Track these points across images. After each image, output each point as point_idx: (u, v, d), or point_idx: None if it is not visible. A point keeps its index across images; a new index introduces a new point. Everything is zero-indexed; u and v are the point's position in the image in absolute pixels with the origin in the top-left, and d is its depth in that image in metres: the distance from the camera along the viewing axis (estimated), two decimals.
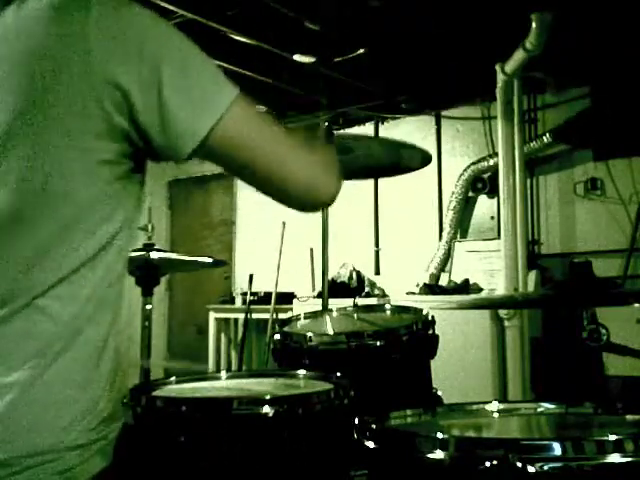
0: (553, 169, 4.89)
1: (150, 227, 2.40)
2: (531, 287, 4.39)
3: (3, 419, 0.87)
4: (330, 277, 4.47)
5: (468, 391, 3.62)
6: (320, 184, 1.05)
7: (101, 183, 0.91)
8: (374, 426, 1.11)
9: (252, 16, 3.75)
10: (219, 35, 3.84)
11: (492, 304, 3.03)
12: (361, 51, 4.19)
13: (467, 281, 4.65)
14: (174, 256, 2.54)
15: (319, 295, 4.61)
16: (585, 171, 4.72)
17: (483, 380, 4.17)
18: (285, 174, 1.01)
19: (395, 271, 5.33)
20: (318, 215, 2.60)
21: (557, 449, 0.93)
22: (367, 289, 4.97)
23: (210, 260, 2.73)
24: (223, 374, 1.66)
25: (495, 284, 4.54)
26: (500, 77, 4.39)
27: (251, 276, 5.36)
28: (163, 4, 3.45)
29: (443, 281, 4.92)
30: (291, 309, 4.97)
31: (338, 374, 1.48)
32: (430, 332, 1.86)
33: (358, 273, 5.08)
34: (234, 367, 5.58)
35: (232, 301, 5.69)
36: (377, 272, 5.51)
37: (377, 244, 5.59)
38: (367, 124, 5.70)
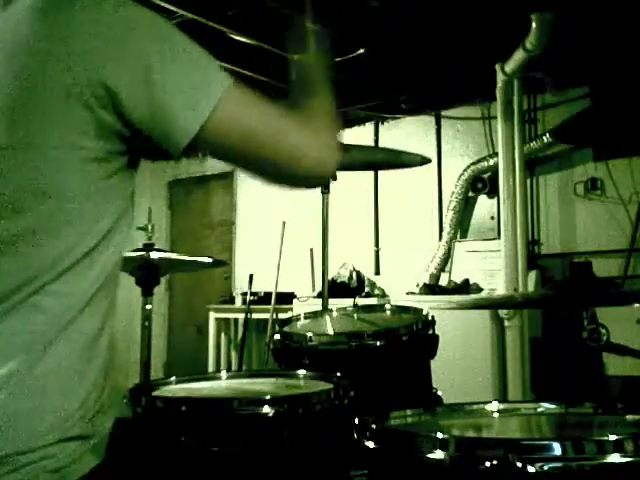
0: (553, 169, 4.89)
1: (150, 227, 2.40)
2: (531, 287, 4.39)
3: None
4: (330, 277, 4.47)
5: (468, 391, 3.62)
6: (320, 161, 1.04)
7: (92, 180, 0.91)
8: (374, 426, 1.11)
9: (252, 16, 3.75)
10: (219, 35, 3.84)
11: (492, 304, 3.03)
12: (361, 51, 4.19)
13: (467, 281, 4.65)
14: (174, 256, 2.54)
15: (319, 295, 4.60)
16: (585, 171, 4.72)
17: (483, 380, 4.17)
18: (285, 158, 1.00)
19: (395, 271, 5.33)
20: (318, 215, 2.60)
21: (557, 449, 0.93)
22: (367, 289, 4.97)
23: (210, 260, 2.73)
24: (223, 374, 1.66)
25: (495, 284, 4.53)
26: (500, 77, 4.39)
27: (251, 276, 5.36)
28: (163, 4, 3.45)
29: (443, 281, 4.92)
30: (291, 309, 4.97)
31: (338, 374, 1.48)
32: (430, 332, 1.87)
33: (358, 273, 5.08)
34: (234, 367, 5.58)
35: (232, 301, 5.69)
36: (377, 272, 5.51)
37: (377, 244, 5.59)
38: (367, 124, 5.69)
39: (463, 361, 4.04)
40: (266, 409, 1.20)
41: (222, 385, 1.60)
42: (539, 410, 1.35)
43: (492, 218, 5.08)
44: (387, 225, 5.56)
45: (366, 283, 5.02)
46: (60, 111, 0.87)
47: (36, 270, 0.89)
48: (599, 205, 4.66)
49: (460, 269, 4.85)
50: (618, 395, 3.78)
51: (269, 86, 4.64)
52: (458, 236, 5.14)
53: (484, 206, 5.15)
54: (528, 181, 4.76)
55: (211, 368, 5.52)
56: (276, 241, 5.45)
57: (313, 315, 2.13)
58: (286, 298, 5.17)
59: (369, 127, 5.69)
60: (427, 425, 1.27)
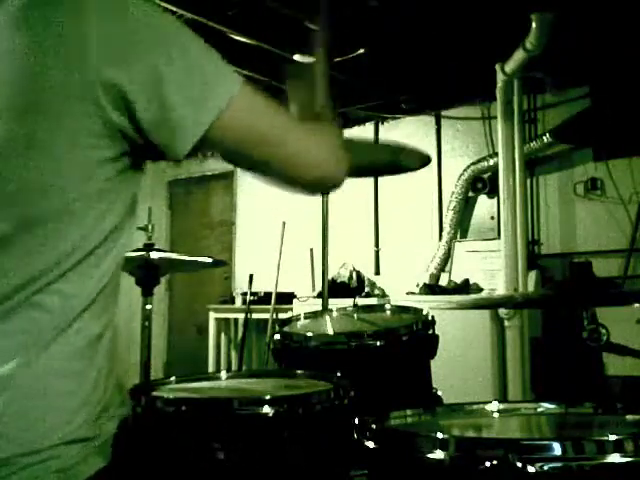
0: (553, 169, 4.89)
1: (150, 227, 2.40)
2: (531, 287, 4.39)
3: (1, 416, 0.87)
4: (330, 277, 4.47)
5: (468, 391, 3.62)
6: (329, 166, 1.05)
7: (98, 180, 0.91)
8: (374, 426, 1.11)
9: (252, 16, 3.76)
10: (219, 35, 3.84)
11: (492, 304, 3.03)
12: (361, 51, 4.19)
13: (467, 281, 4.65)
14: (174, 256, 2.54)
15: (319, 295, 4.60)
16: (585, 171, 4.72)
17: (483, 380, 4.17)
18: (293, 161, 1.00)
19: (395, 271, 5.33)
20: (318, 215, 2.60)
21: (557, 449, 0.93)
22: (367, 289, 4.97)
23: (210, 260, 2.73)
24: (223, 374, 1.66)
25: (495, 284, 4.53)
26: (500, 77, 4.39)
27: (251, 276, 5.36)
28: (163, 4, 3.45)
29: (443, 281, 4.92)
30: (291, 309, 4.97)
31: (338, 374, 1.48)
32: (430, 332, 1.87)
33: (358, 273, 5.08)
34: (234, 367, 5.58)
35: (232, 301, 5.69)
36: (377, 272, 5.51)
37: (377, 244, 5.59)
38: (367, 124, 5.70)
39: (463, 361, 4.04)
40: (266, 409, 1.20)
41: (222, 385, 1.60)
42: (539, 410, 1.35)
43: (492, 218, 5.08)
44: (387, 225, 5.56)
45: (366, 283, 5.02)
46: (65, 111, 0.87)
47: (39, 269, 0.89)
48: (599, 205, 4.66)
49: (460, 269, 4.85)
50: (618, 395, 3.78)
51: (269, 86, 4.64)
52: (458, 236, 5.14)
53: (484, 206, 5.15)
54: (528, 181, 4.76)
55: (211, 368, 5.52)
56: (276, 241, 5.45)
57: (313, 315, 2.13)
58: (286, 298, 5.17)
59: (369, 127, 5.69)
60: (427, 425, 1.27)
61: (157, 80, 0.88)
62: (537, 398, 3.64)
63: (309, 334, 1.77)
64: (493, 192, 4.95)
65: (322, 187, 1.12)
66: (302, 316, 2.11)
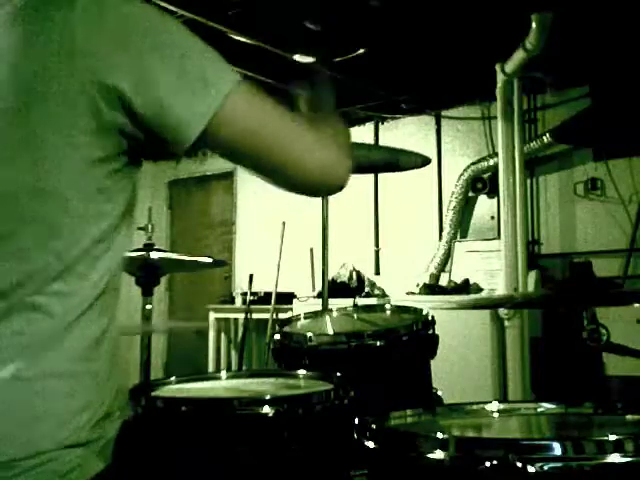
0: (553, 169, 4.89)
1: (150, 227, 2.40)
2: (531, 287, 4.39)
3: (1, 418, 0.87)
4: (330, 277, 4.47)
5: (468, 391, 3.62)
6: (332, 167, 1.02)
7: (94, 179, 0.90)
8: (374, 426, 1.11)
9: (252, 16, 3.76)
10: (219, 35, 3.84)
11: (492, 304, 3.03)
12: (361, 51, 4.19)
13: (467, 281, 4.65)
14: (174, 256, 2.54)
15: (319, 295, 4.60)
16: (585, 171, 4.72)
17: (483, 380, 4.17)
18: (294, 160, 0.98)
19: (395, 271, 5.33)
20: (318, 215, 2.60)
21: (557, 449, 0.93)
22: (367, 289, 4.97)
23: (210, 260, 2.73)
24: (223, 374, 1.66)
25: (495, 284, 4.54)
26: (500, 77, 4.39)
27: (251, 276, 5.36)
28: (163, 4, 3.45)
29: (443, 281, 4.92)
30: (291, 309, 4.97)
31: (338, 374, 1.48)
32: (430, 332, 1.86)
33: (358, 273, 5.08)
34: (234, 367, 5.58)
35: (232, 301, 5.69)
36: (377, 272, 5.51)
37: (377, 244, 5.59)
38: (367, 124, 5.70)
39: (463, 361, 4.05)
40: (266, 409, 1.20)
41: (222, 385, 1.60)
42: (539, 410, 1.35)
43: (492, 218, 5.08)
44: (387, 225, 5.56)
45: (366, 283, 5.02)
46: (60, 111, 0.87)
47: (35, 269, 0.89)
48: (599, 205, 4.66)
49: (460, 269, 4.85)
50: (618, 395, 3.78)
51: (269, 86, 4.65)
52: (458, 236, 5.14)
53: (484, 206, 5.15)
54: (528, 181, 4.76)
55: (211, 368, 5.52)
56: (276, 241, 5.45)
57: (313, 315, 2.13)
58: (286, 298, 5.17)
59: (369, 127, 5.69)
60: (427, 425, 1.27)
61: (154, 78, 0.88)
62: (537, 398, 3.64)
63: (309, 334, 1.77)
64: (493, 192, 4.95)
65: (324, 188, 1.08)
66: (302, 316, 2.11)
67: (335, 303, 2.42)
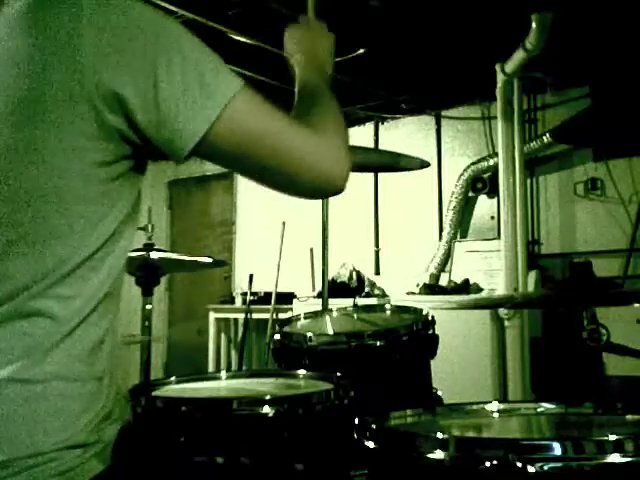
0: (553, 169, 4.89)
1: (150, 227, 2.40)
2: (531, 287, 4.39)
3: (2, 419, 0.87)
4: (330, 277, 4.47)
5: (468, 391, 3.62)
6: (331, 170, 1.01)
7: (96, 183, 0.90)
8: (374, 426, 1.11)
9: (252, 16, 3.75)
10: (219, 35, 3.84)
11: (492, 304, 3.03)
12: (361, 51, 4.19)
13: (467, 281, 4.65)
14: (174, 256, 2.54)
15: (319, 295, 4.60)
16: (585, 171, 4.72)
17: (483, 380, 4.17)
18: (295, 167, 0.98)
19: (395, 271, 5.33)
20: (318, 215, 2.60)
21: (557, 449, 0.93)
22: (367, 289, 4.97)
23: (210, 260, 2.74)
24: (223, 374, 1.66)
25: (495, 284, 4.54)
26: (500, 77, 4.39)
27: (251, 276, 5.36)
28: (163, 4, 3.45)
29: (443, 281, 4.92)
30: (291, 309, 4.97)
31: (338, 374, 1.48)
32: (430, 332, 1.86)
33: (358, 273, 5.08)
34: (234, 367, 5.58)
35: (232, 301, 5.69)
36: (377, 272, 5.51)
37: (377, 244, 5.59)
38: (367, 124, 5.70)
39: (463, 361, 4.04)
40: (266, 409, 1.20)
41: (222, 385, 1.60)
42: (539, 410, 1.35)
43: (492, 218, 5.08)
44: (387, 225, 5.56)
45: (366, 283, 5.02)
46: (62, 115, 0.86)
47: (38, 273, 0.89)
48: (599, 205, 4.66)
49: (460, 269, 4.85)
50: (618, 395, 3.78)
51: (269, 86, 4.64)
52: (458, 236, 5.14)
53: (484, 206, 5.15)
54: (528, 181, 4.77)
55: (211, 368, 5.52)
56: (276, 241, 5.45)
57: (313, 315, 2.13)
58: (286, 298, 5.17)
59: (369, 127, 5.70)
60: (427, 425, 1.27)
61: (155, 83, 0.88)
62: (537, 398, 3.65)
63: (309, 334, 1.77)
64: (493, 192, 4.95)
65: (324, 191, 1.08)
66: (302, 316, 2.11)
67: (335, 303, 2.42)
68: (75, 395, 0.91)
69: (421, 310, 1.96)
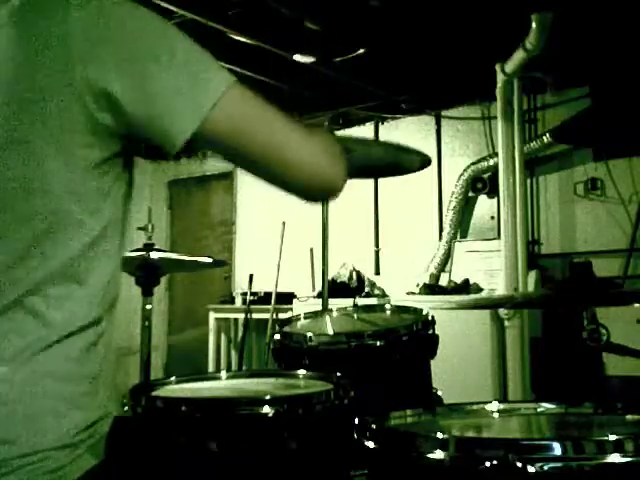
0: (553, 169, 4.89)
1: (150, 227, 2.40)
2: (531, 287, 4.39)
3: None
4: (330, 277, 4.47)
5: (468, 391, 3.62)
6: (325, 170, 1.02)
7: (86, 179, 0.90)
8: (374, 426, 1.11)
9: (252, 16, 3.75)
10: (219, 35, 3.84)
11: (492, 304, 3.03)
12: (361, 51, 4.19)
13: (467, 281, 4.65)
14: (174, 256, 2.54)
15: (319, 295, 4.60)
16: (585, 171, 4.72)
17: (483, 380, 4.17)
18: (287, 161, 0.98)
19: (395, 271, 5.33)
20: (318, 215, 2.60)
21: (557, 449, 0.93)
22: (367, 289, 4.96)
23: (210, 260, 2.73)
24: (223, 374, 1.66)
25: (495, 284, 4.53)
26: (500, 77, 4.39)
27: (251, 276, 5.37)
28: (163, 4, 3.45)
29: (443, 281, 4.92)
30: (291, 309, 4.97)
31: (338, 374, 1.48)
32: (430, 332, 1.87)
33: (358, 273, 5.08)
34: (234, 367, 5.58)
35: (232, 301, 5.69)
36: (377, 272, 5.51)
37: (377, 244, 5.59)
38: (367, 124, 5.69)
39: (463, 361, 4.04)
40: (266, 409, 1.20)
41: (222, 385, 1.60)
42: (539, 410, 1.35)
43: (492, 218, 5.08)
44: (387, 225, 5.56)
45: (366, 283, 5.02)
46: (51, 111, 0.87)
47: (28, 271, 0.88)
48: (599, 205, 4.66)
49: (460, 269, 4.85)
50: (618, 395, 3.78)
51: (269, 86, 4.65)
52: (458, 236, 5.14)
53: (484, 206, 5.15)
54: (528, 181, 4.76)
55: (211, 368, 5.52)
56: (276, 241, 5.45)
57: (313, 315, 2.13)
58: (286, 298, 5.17)
59: (369, 127, 5.69)
60: (427, 425, 1.27)
61: (144, 79, 0.88)
62: (537, 398, 3.64)
63: (309, 334, 1.77)
64: (493, 192, 4.95)
65: (319, 190, 1.07)
66: (302, 316, 2.11)
67: (335, 303, 2.42)
68: (67, 396, 0.91)
69: (421, 310, 1.96)
